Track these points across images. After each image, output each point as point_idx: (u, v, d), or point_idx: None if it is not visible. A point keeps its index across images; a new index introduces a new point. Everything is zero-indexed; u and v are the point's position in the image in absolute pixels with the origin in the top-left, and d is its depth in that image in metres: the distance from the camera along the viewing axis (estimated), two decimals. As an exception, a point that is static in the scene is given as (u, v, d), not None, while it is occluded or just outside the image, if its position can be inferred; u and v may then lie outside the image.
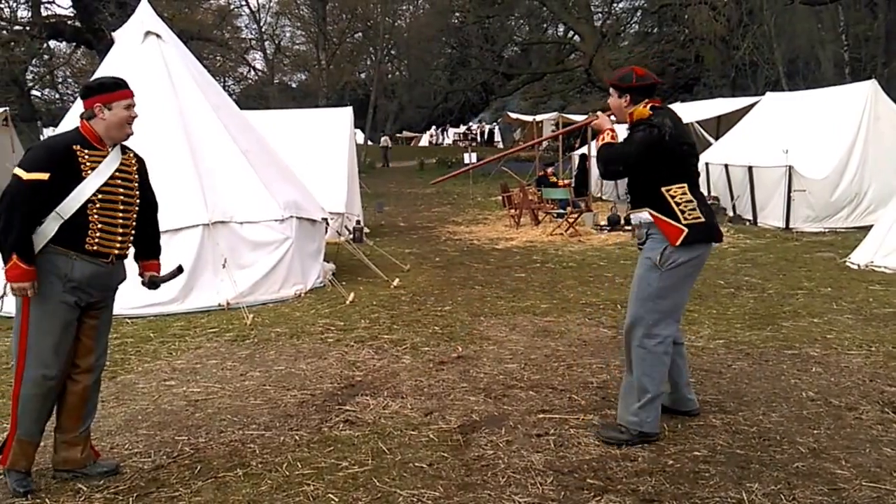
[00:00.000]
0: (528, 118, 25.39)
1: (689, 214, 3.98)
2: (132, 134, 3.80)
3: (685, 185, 4.02)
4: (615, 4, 34.44)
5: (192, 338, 6.48)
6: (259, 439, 4.19)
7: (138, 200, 3.76)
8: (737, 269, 9.34)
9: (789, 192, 12.36)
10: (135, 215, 3.75)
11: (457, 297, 8.01)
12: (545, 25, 39.88)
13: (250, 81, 46.62)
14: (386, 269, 9.21)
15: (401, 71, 50.42)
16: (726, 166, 14.11)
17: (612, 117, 4.22)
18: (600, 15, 34.46)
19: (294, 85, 49.45)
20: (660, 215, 3.99)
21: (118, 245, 3.64)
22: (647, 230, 4.08)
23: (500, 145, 45.93)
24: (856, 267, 9.00)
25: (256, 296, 7.56)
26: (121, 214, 3.63)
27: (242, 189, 7.79)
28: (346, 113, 13.33)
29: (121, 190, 3.65)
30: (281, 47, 45.20)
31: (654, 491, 3.55)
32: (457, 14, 41.16)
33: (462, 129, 54.55)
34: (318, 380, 5.27)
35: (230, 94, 42.74)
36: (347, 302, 7.64)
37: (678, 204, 3.98)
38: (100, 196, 3.52)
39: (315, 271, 8.39)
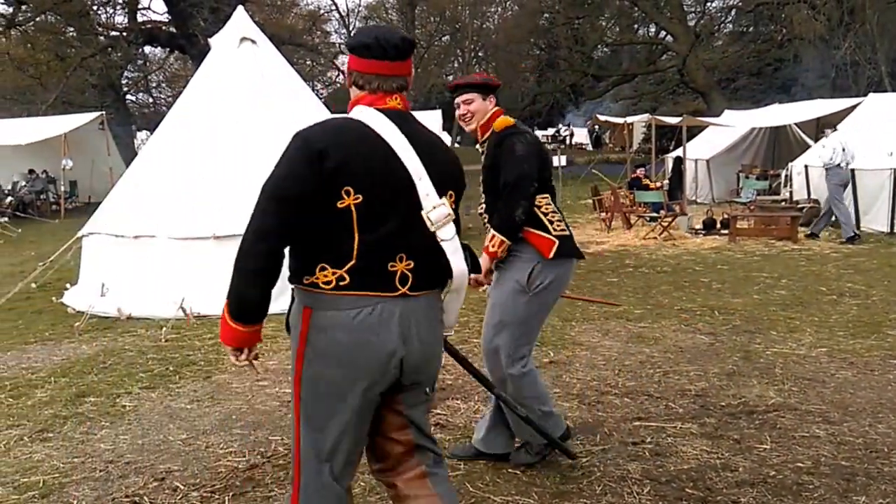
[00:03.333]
0: (619, 120, 24.93)
1: (557, 226, 3.70)
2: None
3: (548, 195, 3.76)
4: (709, 3, 33.48)
5: (283, 339, 6.64)
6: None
7: None
8: (839, 276, 8.94)
9: (894, 195, 11.76)
10: None
11: (547, 301, 7.94)
12: (636, 26, 39.16)
13: (339, 85, 47.64)
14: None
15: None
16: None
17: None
18: (694, 14, 33.57)
19: (382, 89, 50.13)
20: (530, 228, 3.62)
21: None
22: (511, 249, 3.62)
23: (589, 148, 45.33)
24: (970, 275, 8.50)
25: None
26: None
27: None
28: (436, 116, 13.52)
29: None
30: (369, 52, 45.91)
31: (756, 502, 3.46)
32: (545, 15, 40.85)
33: (551, 131, 54.15)
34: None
35: (319, 98, 43.89)
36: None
37: (545, 214, 3.70)
38: None
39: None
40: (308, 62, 41.25)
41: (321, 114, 9.08)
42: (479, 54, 44.72)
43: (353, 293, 2.29)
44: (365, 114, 2.39)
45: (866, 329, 6.44)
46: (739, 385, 5.10)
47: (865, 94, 16.17)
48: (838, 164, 11.69)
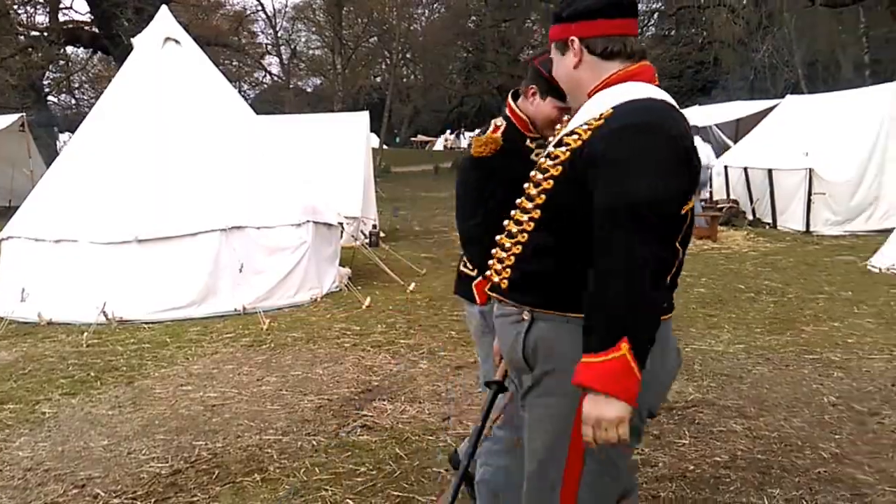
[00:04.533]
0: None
1: None
2: None
3: None
4: (632, 7, 34.26)
5: (208, 343, 6.52)
6: (276, 444, 4.21)
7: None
8: (756, 273, 9.27)
9: (809, 194, 12.27)
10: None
11: (473, 302, 7.99)
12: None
13: (266, 86, 46.97)
14: (402, 274, 9.23)
15: (416, 75, 50.57)
16: (745, 169, 14.02)
17: None
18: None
19: (309, 90, 49.74)
20: None
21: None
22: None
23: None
24: (877, 271, 8.91)
25: (273, 300, 7.61)
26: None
27: (259, 194, 7.84)
28: (363, 117, 13.39)
29: None
30: (296, 52, 45.50)
31: (674, 497, 3.54)
32: (472, 18, 41.21)
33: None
34: (334, 385, 5.29)
35: (246, 99, 43.12)
36: (364, 307, 7.66)
37: None
38: None
39: (331, 276, 8.42)
40: (234, 63, 40.49)
41: (246, 115, 8.93)
42: (408, 56, 44.76)
43: (667, 317, 1.98)
44: (663, 94, 1.96)
45: (782, 326, 6.68)
46: (661, 382, 5.21)
47: (783, 96, 16.83)
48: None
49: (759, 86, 27.52)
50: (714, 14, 28.29)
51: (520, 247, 2.07)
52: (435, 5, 45.49)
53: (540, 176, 2.05)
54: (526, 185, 2.13)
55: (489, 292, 2.22)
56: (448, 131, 59.79)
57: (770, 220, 13.29)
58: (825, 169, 12.14)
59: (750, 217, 13.79)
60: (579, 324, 1.88)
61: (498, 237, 2.18)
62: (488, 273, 2.21)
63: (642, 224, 1.76)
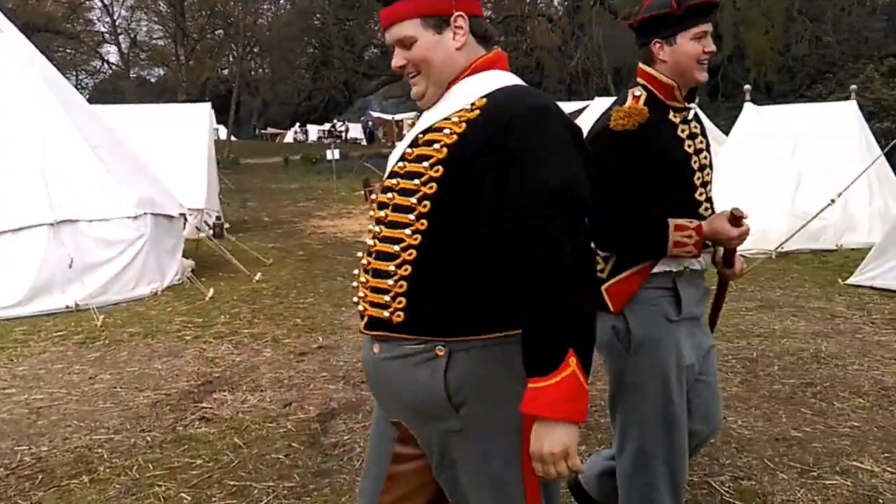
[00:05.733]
0: (389, 117, 25.33)
1: None
2: None
3: None
4: (464, 13, 34.88)
5: (35, 342, 5.91)
6: (108, 443, 3.86)
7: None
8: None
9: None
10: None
11: (319, 290, 7.81)
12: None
13: (105, 75, 43.64)
14: (248, 264, 8.85)
15: (264, 68, 48.86)
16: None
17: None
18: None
19: (153, 80, 46.75)
20: None
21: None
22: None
23: (364, 143, 45.55)
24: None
25: (108, 296, 7.02)
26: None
27: (92, 186, 7.21)
28: (204, 108, 12.70)
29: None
30: (137, 41, 42.53)
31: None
32: (317, 15, 40.30)
33: (327, 126, 53.65)
34: (173, 379, 4.95)
35: (83, 89, 39.87)
36: (207, 298, 7.26)
37: None
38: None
39: (173, 268, 7.92)
40: (69, 51, 37.23)
41: (77, 105, 8.18)
42: (255, 50, 43.12)
43: None
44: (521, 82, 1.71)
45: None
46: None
47: (593, 98, 17.75)
48: None
49: (575, 89, 28.93)
50: (534, 24, 29.37)
51: (408, 268, 1.59)
52: (281, 1, 44.11)
53: (417, 181, 1.60)
54: (388, 195, 1.67)
55: (365, 331, 1.69)
56: (297, 124, 58.38)
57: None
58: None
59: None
60: (504, 342, 1.57)
61: (366, 260, 1.69)
62: (359, 308, 1.70)
63: (567, 214, 1.51)
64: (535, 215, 1.50)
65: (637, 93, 2.28)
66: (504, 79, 1.67)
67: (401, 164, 1.67)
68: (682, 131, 2.28)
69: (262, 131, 55.53)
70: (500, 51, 1.75)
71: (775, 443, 3.68)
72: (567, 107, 18.53)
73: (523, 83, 1.69)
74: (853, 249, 8.57)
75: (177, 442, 3.86)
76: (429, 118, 1.70)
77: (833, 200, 7.78)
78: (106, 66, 42.89)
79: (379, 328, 1.63)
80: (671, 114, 2.28)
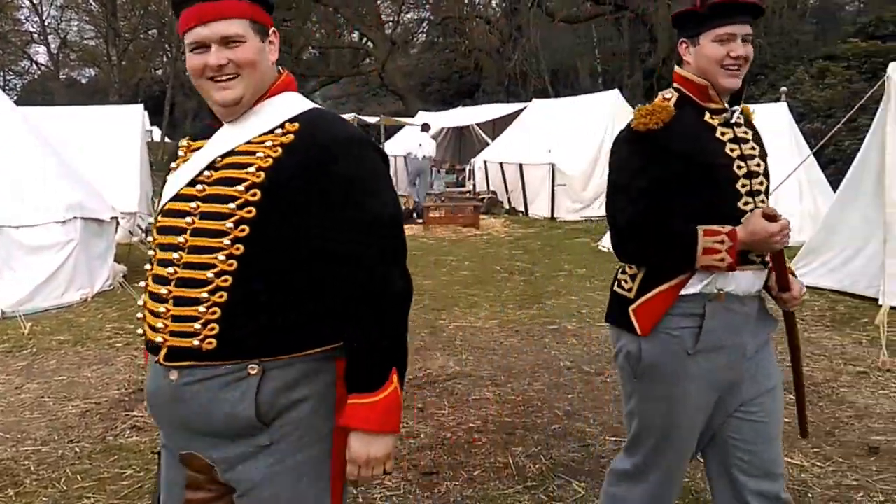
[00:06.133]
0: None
1: None
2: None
3: None
4: (404, 14, 34.86)
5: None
6: (35, 455, 3.74)
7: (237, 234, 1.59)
8: (511, 256, 9.83)
9: (553, 186, 13.22)
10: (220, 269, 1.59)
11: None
12: (341, 31, 39.61)
13: (33, 76, 42.00)
14: (182, 268, 8.64)
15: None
16: (501, 164, 14.82)
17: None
18: (391, 24, 34.74)
19: (84, 81, 45.19)
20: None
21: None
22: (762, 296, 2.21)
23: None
24: (605, 250, 9.79)
25: (36, 303, 6.78)
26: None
27: (18, 191, 6.96)
28: (136, 110, 12.36)
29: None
30: (67, 41, 41.05)
31: (433, 464, 3.63)
32: (254, 16, 39.52)
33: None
34: (103, 387, 4.82)
35: (11, 90, 38.27)
36: (139, 303, 7.06)
37: None
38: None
39: (104, 274, 7.69)
40: (-6, 50, 35.72)
41: (3, 106, 7.86)
42: (189, 50, 41.98)
43: None
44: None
45: (530, 301, 7.12)
46: (426, 358, 5.34)
47: (531, 99, 17.97)
48: (415, 156, 14.17)
49: (513, 90, 29.18)
50: (473, 25, 29.54)
51: (223, 294, 1.53)
52: (216, 2, 43.08)
53: (231, 205, 1.54)
54: (186, 220, 1.59)
55: (165, 363, 1.57)
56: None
57: (523, 209, 14.17)
58: (565, 163, 13.14)
59: (507, 206, 14.60)
60: (317, 358, 1.60)
61: (164, 290, 1.58)
62: (156, 339, 1.59)
63: (386, 241, 1.57)
64: (357, 242, 1.54)
65: (668, 94, 2.12)
66: (304, 102, 1.67)
67: (198, 186, 1.59)
68: (724, 134, 2.07)
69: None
70: (289, 73, 1.73)
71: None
72: (505, 108, 18.76)
73: (321, 107, 1.71)
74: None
75: (107, 452, 3.77)
76: (228, 138, 1.63)
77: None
78: (34, 66, 41.27)
79: (184, 358, 1.55)
80: (707, 115, 2.08)
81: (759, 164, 2.09)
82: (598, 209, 13.16)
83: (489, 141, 17.17)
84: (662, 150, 2.01)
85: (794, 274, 2.21)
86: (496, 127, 18.00)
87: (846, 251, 6.90)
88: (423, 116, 20.39)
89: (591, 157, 13.23)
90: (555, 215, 13.29)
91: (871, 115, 7.26)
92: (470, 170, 16.15)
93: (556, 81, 30.09)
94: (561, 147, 13.39)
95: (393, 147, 19.45)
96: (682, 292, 2.04)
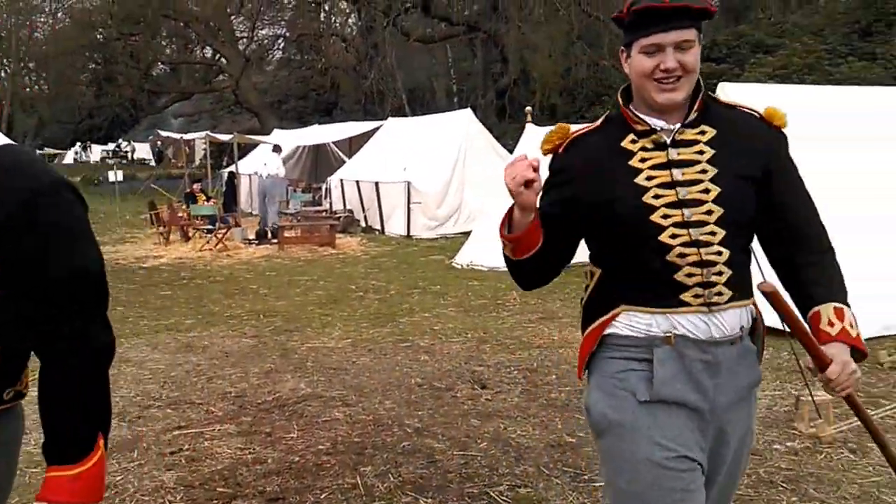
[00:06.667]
0: (178, 136, 24.09)
1: None
2: None
3: None
4: (258, 31, 34.21)
5: None
6: None
7: None
8: (366, 274, 9.84)
9: (408, 204, 13.39)
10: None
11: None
12: (192, 47, 38.19)
13: None
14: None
15: (40, 85, 44.34)
16: (357, 182, 14.83)
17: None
18: (245, 40, 33.96)
19: None
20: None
21: None
22: (744, 332, 1.80)
23: (153, 163, 42.82)
24: (459, 266, 10.04)
25: None
26: None
27: None
28: (-44, 129, 11.31)
29: None
30: None
31: (280, 489, 3.57)
32: (100, 30, 37.40)
33: (111, 146, 49.70)
34: None
35: None
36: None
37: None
38: None
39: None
40: None
41: None
42: (30, 65, 39.07)
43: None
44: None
45: (384, 319, 7.16)
46: (276, 381, 5.24)
47: (387, 119, 18.13)
48: (260, 175, 14.24)
49: (370, 108, 29.33)
50: (328, 43, 29.50)
51: None
52: (59, 14, 40.33)
53: None
54: None
55: None
56: (78, 144, 53.56)
57: (379, 227, 14.23)
58: (420, 181, 13.35)
59: (363, 224, 14.62)
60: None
61: None
62: None
63: (91, 296, 1.45)
64: (61, 299, 1.41)
65: (610, 114, 1.87)
66: None
67: None
68: (645, 159, 1.74)
69: (39, 152, 50.41)
70: None
71: (551, 449, 3.96)
72: (362, 126, 18.81)
73: (11, 143, 1.48)
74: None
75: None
76: None
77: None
78: None
79: None
80: (629, 138, 1.77)
81: (706, 191, 1.70)
82: (454, 227, 13.50)
83: (346, 159, 17.14)
84: (562, 177, 1.81)
85: (849, 335, 1.68)
86: (353, 145, 18.00)
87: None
88: (277, 134, 20.05)
89: (446, 176, 13.53)
90: (410, 233, 13.44)
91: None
92: (326, 188, 16.05)
93: (413, 100, 30.58)
94: (416, 165, 13.60)
95: (246, 166, 19.08)
96: (617, 331, 1.75)
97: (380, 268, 10.40)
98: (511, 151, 13.55)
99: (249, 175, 18.81)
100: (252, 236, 13.30)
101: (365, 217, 14.65)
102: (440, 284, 8.94)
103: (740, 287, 1.72)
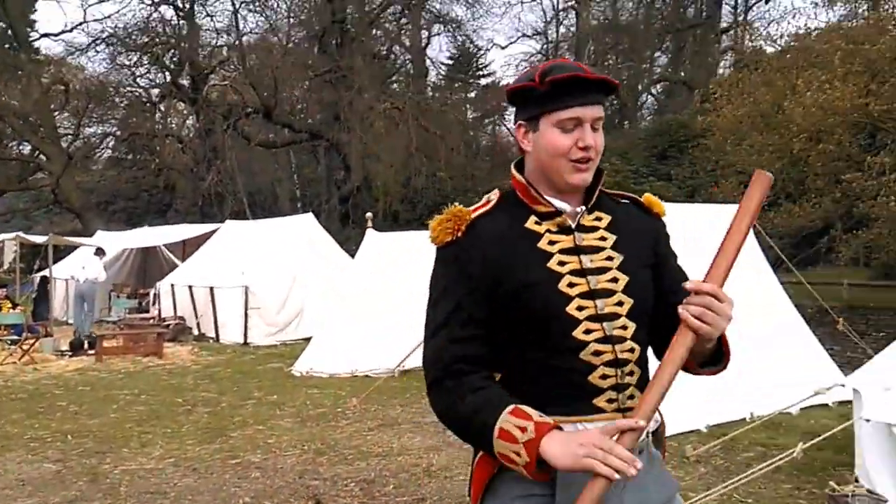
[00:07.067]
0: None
1: None
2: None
3: None
4: (84, 128, 32.59)
5: None
6: None
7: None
8: (196, 386, 9.20)
9: (246, 309, 12.90)
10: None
11: None
12: (7, 142, 35.64)
13: None
14: None
15: None
16: (190, 287, 14.14)
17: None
18: (69, 137, 32.19)
19: None
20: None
21: None
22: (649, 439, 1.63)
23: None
24: (299, 374, 9.68)
25: None
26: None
27: None
28: None
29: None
30: None
31: None
32: None
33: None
34: None
35: None
36: None
37: None
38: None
39: None
40: None
41: None
42: None
43: None
44: None
45: (212, 434, 6.66)
46: (81, 513, 4.67)
47: (225, 221, 17.66)
48: (77, 280, 13.68)
49: (208, 211, 28.54)
50: (163, 143, 28.68)
51: None
52: None
53: None
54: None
55: None
56: None
57: (214, 334, 13.52)
58: (258, 286, 12.95)
59: (196, 332, 13.84)
60: None
61: None
62: None
63: None
64: None
65: (492, 196, 1.68)
66: None
67: None
68: (553, 243, 1.57)
69: None
70: None
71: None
72: (198, 228, 18.20)
73: None
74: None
75: None
76: None
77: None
78: None
79: None
80: (532, 220, 1.60)
81: (614, 280, 1.56)
82: (294, 332, 13.10)
83: (178, 263, 16.37)
84: (464, 269, 1.55)
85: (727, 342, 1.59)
86: (187, 248, 17.28)
87: None
88: (101, 236, 18.90)
89: (287, 280, 13.24)
90: (248, 340, 12.87)
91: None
92: (155, 294, 15.13)
93: (255, 204, 30.12)
94: (255, 270, 13.22)
95: (63, 270, 17.83)
96: None
97: (212, 378, 9.76)
98: (353, 256, 13.55)
99: (66, 280, 17.53)
100: (65, 347, 12.12)
101: (198, 324, 13.87)
102: (277, 394, 8.52)
103: (645, 387, 1.49)
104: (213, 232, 16.53)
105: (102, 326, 13.70)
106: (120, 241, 18.29)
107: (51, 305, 15.04)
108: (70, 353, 11.82)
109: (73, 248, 18.41)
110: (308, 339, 11.24)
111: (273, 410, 7.65)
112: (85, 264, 13.90)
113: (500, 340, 1.56)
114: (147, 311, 14.76)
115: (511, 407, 1.45)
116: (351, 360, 9.31)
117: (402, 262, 10.27)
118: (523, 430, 1.40)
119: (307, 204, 30.73)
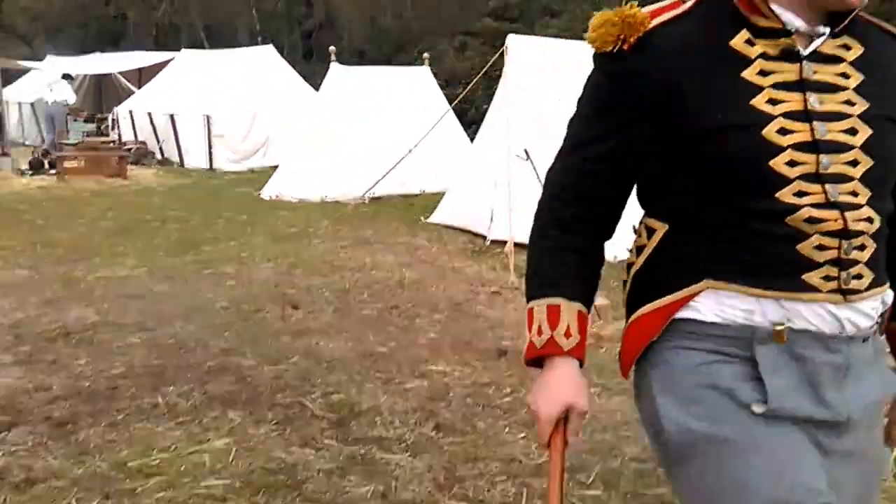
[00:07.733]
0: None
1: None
2: None
3: None
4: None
5: None
6: None
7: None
8: (164, 205, 9.07)
9: (209, 137, 12.55)
10: None
11: None
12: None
13: None
14: None
15: None
16: (150, 114, 13.66)
17: None
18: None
19: None
20: None
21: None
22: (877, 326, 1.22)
23: None
24: (267, 198, 9.58)
25: None
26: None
27: None
28: None
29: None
30: None
31: (69, 414, 3.21)
32: None
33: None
34: None
35: None
36: None
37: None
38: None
39: None
40: None
41: None
42: None
43: None
44: None
45: (185, 247, 6.65)
46: (58, 310, 4.70)
47: (180, 50, 16.76)
48: (45, 101, 13.72)
49: (163, 41, 27.10)
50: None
51: None
52: None
53: None
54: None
55: None
56: None
57: (178, 159, 13.23)
58: (220, 115, 12.53)
59: (159, 157, 13.50)
60: None
61: None
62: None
63: None
64: None
65: None
66: None
67: None
68: (766, 73, 1.13)
69: None
70: None
71: (363, 359, 3.91)
72: (154, 57, 17.34)
73: None
74: (433, 193, 9.12)
75: None
76: None
77: (410, 150, 8.62)
78: None
79: None
80: (742, 36, 1.14)
81: (852, 131, 1.13)
82: (261, 159, 12.79)
83: (134, 90, 15.65)
84: (624, 97, 1.16)
85: None
86: (143, 77, 16.45)
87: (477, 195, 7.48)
88: (51, 61, 17.91)
89: (250, 110, 12.79)
90: (213, 166, 12.60)
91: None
92: (114, 119, 14.58)
93: (212, 37, 28.52)
94: (216, 99, 12.70)
95: (15, 93, 17.02)
96: (697, 316, 1.17)
97: (179, 199, 9.62)
98: (317, 90, 13.07)
99: (18, 103, 16.81)
100: (26, 166, 11.74)
101: (161, 149, 13.50)
102: (247, 214, 8.45)
103: (879, 267, 1.17)
104: (169, 61, 15.69)
105: (63, 149, 13.23)
106: (72, 67, 17.23)
107: (4, 126, 14.41)
108: (31, 172, 11.48)
109: (24, 71, 17.53)
110: (275, 167, 11.03)
111: (245, 228, 7.62)
112: (53, 87, 13.43)
113: (674, 187, 1.18)
114: (107, 136, 14.23)
115: (559, 301, 1.19)
116: (320, 186, 9.20)
117: (370, 94, 9.96)
118: (540, 332, 1.20)
119: (267, 39, 29.22)
